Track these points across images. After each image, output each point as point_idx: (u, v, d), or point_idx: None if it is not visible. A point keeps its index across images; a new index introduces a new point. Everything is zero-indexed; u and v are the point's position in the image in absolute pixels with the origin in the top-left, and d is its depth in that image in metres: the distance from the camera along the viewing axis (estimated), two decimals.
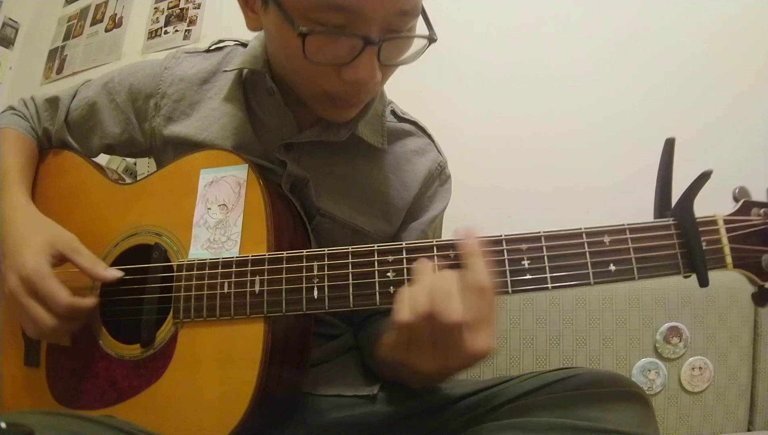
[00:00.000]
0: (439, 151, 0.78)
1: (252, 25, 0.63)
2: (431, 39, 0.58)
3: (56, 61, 2.03)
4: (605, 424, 0.49)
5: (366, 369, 0.71)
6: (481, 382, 0.64)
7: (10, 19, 2.14)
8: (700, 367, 1.00)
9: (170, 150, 0.71)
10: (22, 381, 0.65)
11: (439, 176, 0.76)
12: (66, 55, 2.02)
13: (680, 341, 1.00)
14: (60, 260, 0.60)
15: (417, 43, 0.60)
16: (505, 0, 1.30)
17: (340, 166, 0.70)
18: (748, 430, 1.00)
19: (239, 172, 0.60)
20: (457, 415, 0.61)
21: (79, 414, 0.51)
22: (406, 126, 0.76)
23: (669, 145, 0.48)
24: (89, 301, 0.59)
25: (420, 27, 0.60)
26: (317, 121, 0.69)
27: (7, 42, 2.14)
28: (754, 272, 0.47)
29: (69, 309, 0.57)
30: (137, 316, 0.59)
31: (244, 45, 0.75)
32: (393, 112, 0.76)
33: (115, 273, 0.60)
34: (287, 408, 0.61)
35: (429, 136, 0.78)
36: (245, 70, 0.70)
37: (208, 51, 0.76)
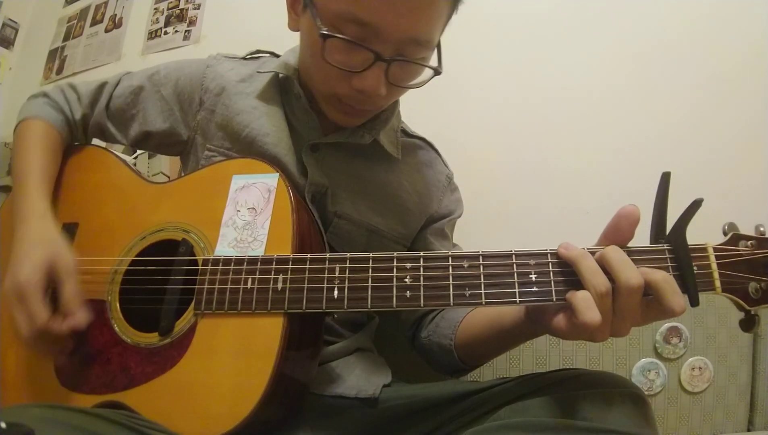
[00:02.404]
0: (445, 165, 0.85)
1: (292, 26, 0.69)
2: (437, 71, 0.65)
3: (56, 62, 2.03)
4: (605, 425, 0.50)
5: (370, 369, 0.72)
6: (481, 382, 0.64)
7: (10, 19, 2.13)
8: (700, 368, 1.00)
9: (206, 146, 0.73)
10: (25, 363, 0.65)
11: (448, 187, 0.84)
12: (66, 56, 2.02)
13: (680, 341, 1.00)
14: (52, 280, 0.60)
15: (426, 73, 0.66)
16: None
17: (359, 169, 0.75)
18: (748, 430, 1.00)
19: (270, 180, 0.63)
20: (457, 415, 0.62)
21: (81, 408, 0.51)
22: (416, 141, 0.83)
23: (665, 179, 0.51)
24: (65, 325, 0.58)
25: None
26: (343, 126, 0.73)
27: (7, 42, 2.14)
28: (741, 298, 0.50)
29: (40, 331, 0.57)
30: (157, 306, 0.60)
31: (277, 56, 0.79)
32: (403, 130, 0.82)
33: (81, 319, 0.59)
34: (295, 405, 0.61)
35: (435, 151, 0.85)
36: (280, 76, 0.75)
37: (244, 58, 0.80)
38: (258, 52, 0.81)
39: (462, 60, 1.31)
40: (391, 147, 0.77)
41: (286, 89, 0.75)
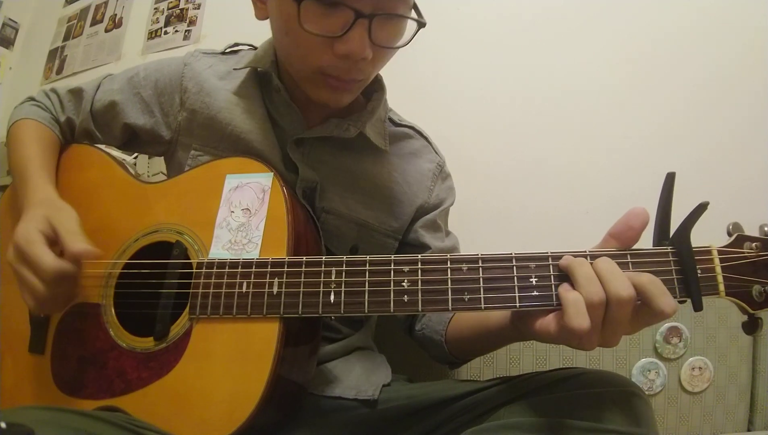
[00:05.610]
0: (436, 152, 0.83)
1: (259, 15, 0.67)
2: (420, 24, 0.61)
3: (56, 62, 2.03)
4: (605, 424, 0.50)
5: (369, 369, 0.72)
6: (480, 381, 0.64)
7: (10, 19, 2.13)
8: (700, 367, 1.00)
9: (192, 146, 0.73)
10: (24, 368, 0.65)
11: (439, 175, 0.81)
12: (66, 56, 2.01)
13: (680, 341, 1.00)
14: (53, 234, 0.59)
15: (408, 31, 0.63)
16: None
17: (347, 162, 0.73)
18: (748, 430, 1.00)
19: (264, 180, 0.62)
20: (456, 414, 0.62)
21: (80, 410, 0.51)
22: (405, 130, 0.81)
23: (669, 180, 0.50)
24: (77, 247, 0.57)
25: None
26: (327, 118, 0.72)
27: (7, 42, 2.14)
28: (744, 301, 0.49)
29: (56, 272, 0.56)
30: (152, 310, 0.60)
31: (256, 48, 0.77)
32: (390, 119, 0.80)
33: (87, 248, 0.57)
34: (292, 408, 0.61)
35: (426, 138, 0.83)
36: (259, 70, 0.73)
37: (223, 53, 0.79)
38: (236, 45, 0.80)
39: (460, 60, 1.31)
40: (378, 138, 0.75)
41: (266, 83, 0.74)
